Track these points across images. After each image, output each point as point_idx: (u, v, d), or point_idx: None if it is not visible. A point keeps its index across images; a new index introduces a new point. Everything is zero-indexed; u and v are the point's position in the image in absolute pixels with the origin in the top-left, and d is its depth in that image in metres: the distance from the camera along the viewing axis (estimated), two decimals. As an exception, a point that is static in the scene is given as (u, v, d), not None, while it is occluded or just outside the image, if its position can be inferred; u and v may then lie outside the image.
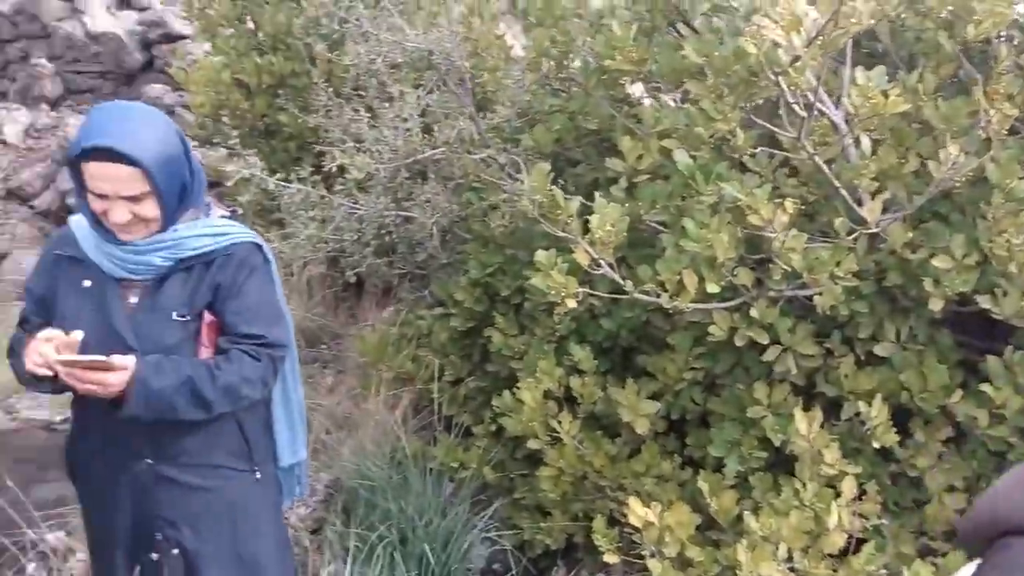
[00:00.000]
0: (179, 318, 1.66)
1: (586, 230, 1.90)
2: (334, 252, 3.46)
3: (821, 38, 1.57)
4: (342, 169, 2.80)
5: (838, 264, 1.86)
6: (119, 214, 1.57)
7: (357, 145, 2.71)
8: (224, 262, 1.70)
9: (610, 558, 1.98)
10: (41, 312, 1.72)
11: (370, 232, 3.06)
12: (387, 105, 2.85)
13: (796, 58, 1.59)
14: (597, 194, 1.97)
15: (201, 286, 1.68)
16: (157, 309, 1.66)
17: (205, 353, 1.69)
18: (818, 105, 1.83)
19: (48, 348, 1.52)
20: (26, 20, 7.18)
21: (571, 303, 1.84)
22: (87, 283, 1.67)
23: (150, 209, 1.60)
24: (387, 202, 2.91)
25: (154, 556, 1.75)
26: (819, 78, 1.74)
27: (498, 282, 2.76)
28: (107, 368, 1.51)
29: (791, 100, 1.73)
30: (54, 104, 7.09)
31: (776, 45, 1.58)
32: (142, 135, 1.55)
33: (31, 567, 2.63)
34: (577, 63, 2.70)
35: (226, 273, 1.69)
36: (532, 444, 2.30)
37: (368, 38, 3.06)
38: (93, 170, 1.54)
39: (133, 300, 1.68)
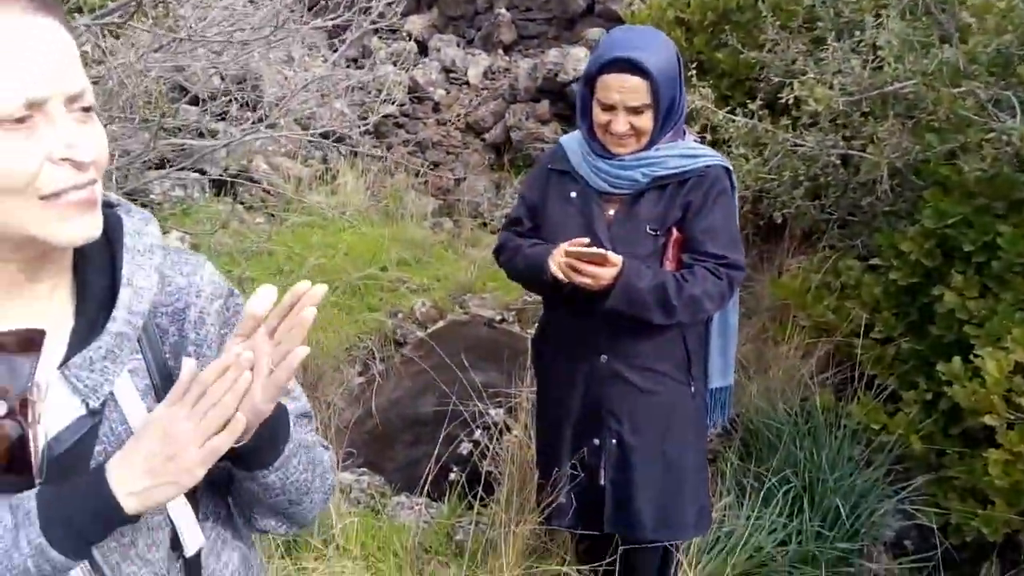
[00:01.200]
0: (651, 232, 1.81)
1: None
2: (759, 192, 3.39)
3: None
4: (794, 104, 2.69)
5: None
6: (620, 124, 1.75)
7: (817, 77, 2.57)
8: (697, 182, 1.79)
9: (1085, 568, 1.67)
10: (531, 217, 2.01)
11: (809, 172, 2.91)
12: (857, 33, 2.63)
13: None
14: None
15: (673, 204, 1.80)
16: (633, 222, 1.82)
17: (668, 267, 1.81)
18: None
19: (560, 249, 1.78)
20: (492, -27, 8.23)
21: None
22: (573, 194, 1.90)
23: (647, 121, 1.76)
24: (836, 139, 2.72)
25: (596, 442, 1.97)
26: None
27: (960, 235, 2.43)
28: (603, 262, 1.72)
29: None
30: (507, 49, 8.08)
31: None
32: (654, 52, 1.71)
33: (478, 433, 3.17)
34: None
35: (698, 193, 1.79)
36: (988, 420, 2.02)
37: (831, -37, 2.86)
38: (609, 81, 1.73)
39: (611, 212, 1.86)
